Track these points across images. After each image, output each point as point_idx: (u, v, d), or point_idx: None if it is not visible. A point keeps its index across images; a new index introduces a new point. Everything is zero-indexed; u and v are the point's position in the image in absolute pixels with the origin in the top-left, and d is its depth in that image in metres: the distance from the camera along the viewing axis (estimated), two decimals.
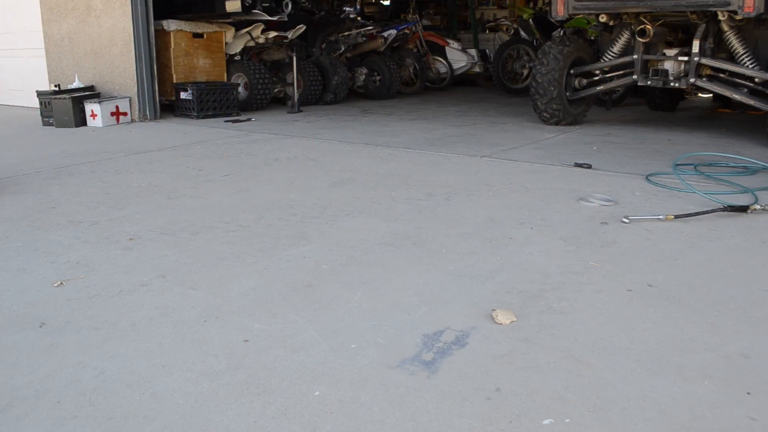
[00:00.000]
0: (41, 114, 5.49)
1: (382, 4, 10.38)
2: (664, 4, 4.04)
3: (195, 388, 1.32)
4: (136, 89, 5.45)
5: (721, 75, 4.26)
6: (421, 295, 1.77)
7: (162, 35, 5.64)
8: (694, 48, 4.20)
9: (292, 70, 6.09)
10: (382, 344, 1.49)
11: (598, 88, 4.76)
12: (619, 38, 4.62)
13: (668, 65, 4.40)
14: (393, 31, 7.44)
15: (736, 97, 4.17)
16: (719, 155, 3.60)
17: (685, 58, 4.27)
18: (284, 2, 5.91)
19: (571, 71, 4.75)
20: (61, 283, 1.88)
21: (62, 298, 1.77)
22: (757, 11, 3.74)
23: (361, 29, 7.29)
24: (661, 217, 2.42)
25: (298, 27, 6.29)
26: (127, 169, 3.53)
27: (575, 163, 3.46)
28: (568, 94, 4.78)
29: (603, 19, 4.53)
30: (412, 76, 7.87)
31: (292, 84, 6.17)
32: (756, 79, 4.08)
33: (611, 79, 4.75)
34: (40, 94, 5.50)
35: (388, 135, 4.57)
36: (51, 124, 5.39)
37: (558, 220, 2.46)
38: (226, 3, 5.58)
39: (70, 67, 5.94)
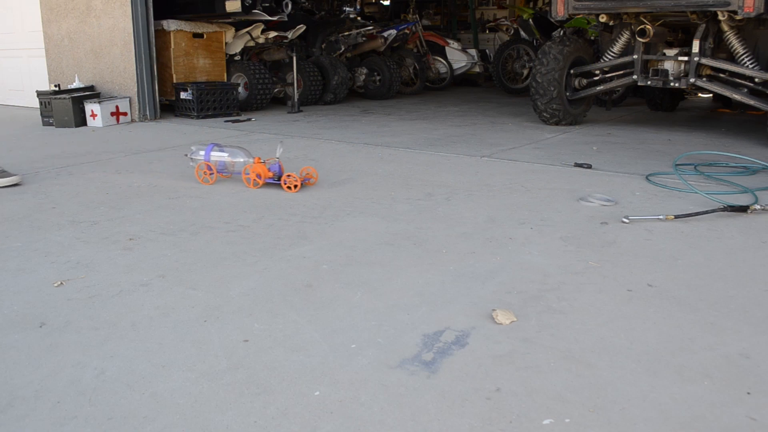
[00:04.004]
0: (41, 114, 5.49)
1: (382, 4, 10.38)
2: (664, 4, 4.05)
3: (195, 388, 1.31)
4: (136, 89, 5.45)
5: (721, 75, 4.26)
6: (421, 295, 1.77)
7: (162, 35, 5.64)
8: (694, 48, 4.20)
9: (292, 70, 6.09)
10: (382, 344, 1.49)
11: (598, 88, 4.76)
12: (619, 38, 4.63)
13: (668, 65, 4.40)
14: (393, 31, 7.44)
15: (736, 97, 4.17)
16: (719, 154, 3.60)
17: (685, 58, 4.28)
18: (284, 2, 5.91)
19: (571, 71, 4.75)
20: (61, 283, 1.88)
21: (62, 298, 1.77)
22: (757, 11, 3.74)
23: (361, 29, 7.29)
24: (661, 217, 2.42)
25: (298, 27, 6.29)
26: (127, 169, 3.53)
27: (575, 163, 3.46)
28: (568, 94, 4.78)
29: (603, 19, 4.54)
30: (412, 76, 7.87)
31: (292, 84, 6.17)
32: (756, 79, 4.08)
33: (611, 79, 4.75)
34: (40, 94, 5.50)
35: (388, 135, 4.57)
36: (51, 124, 5.39)
37: (558, 220, 2.46)
38: (226, 3, 5.59)
39: (70, 67, 5.94)
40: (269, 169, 2.98)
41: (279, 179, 2.96)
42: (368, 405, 1.25)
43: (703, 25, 4.17)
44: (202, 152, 3.13)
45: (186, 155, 3.22)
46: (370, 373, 1.36)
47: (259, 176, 2.97)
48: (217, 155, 3.10)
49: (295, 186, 2.89)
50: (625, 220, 2.41)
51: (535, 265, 1.99)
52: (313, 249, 2.16)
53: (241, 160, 3.07)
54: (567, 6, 4.45)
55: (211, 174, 3.09)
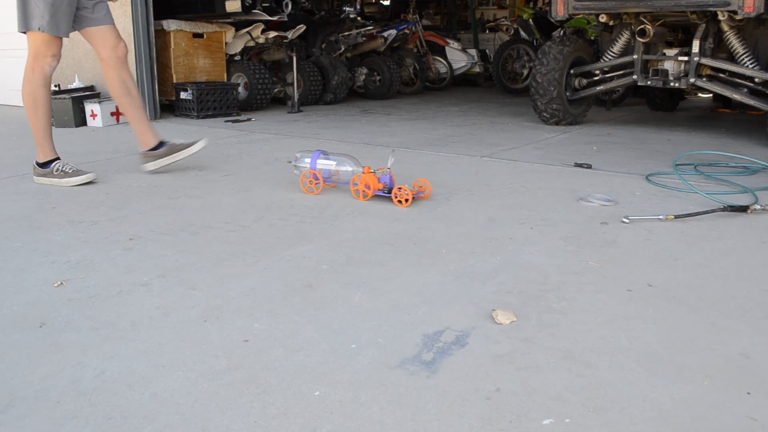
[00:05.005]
0: None
1: (382, 4, 10.38)
2: (664, 4, 4.05)
3: (195, 388, 1.32)
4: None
5: (721, 75, 4.26)
6: (421, 295, 1.77)
7: (162, 35, 5.64)
8: (694, 48, 4.20)
9: (292, 70, 6.09)
10: (382, 344, 1.49)
11: (598, 88, 4.76)
12: (619, 38, 4.63)
13: (668, 65, 4.40)
14: (393, 31, 7.44)
15: (736, 97, 4.17)
16: (719, 154, 3.61)
17: (685, 58, 4.28)
18: (284, 2, 5.91)
19: (571, 71, 4.75)
20: (61, 283, 1.88)
21: (62, 298, 1.77)
22: (757, 11, 3.75)
23: (361, 29, 7.29)
24: (661, 217, 2.42)
25: (298, 27, 6.29)
26: (127, 169, 3.53)
27: (575, 163, 3.46)
28: (568, 94, 4.78)
29: (603, 19, 4.54)
30: (412, 76, 7.88)
31: (292, 84, 6.17)
32: (756, 79, 4.08)
33: (611, 79, 4.76)
34: None
35: (388, 135, 4.57)
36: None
37: (558, 220, 2.46)
38: (226, 3, 5.59)
39: (70, 67, 5.94)
40: (379, 180, 2.76)
41: (390, 191, 2.73)
42: (368, 405, 1.25)
43: (703, 25, 4.17)
44: (308, 159, 2.92)
45: (290, 162, 3.02)
46: (370, 373, 1.36)
47: (368, 187, 2.75)
48: (323, 163, 2.89)
49: (406, 200, 2.65)
50: (625, 220, 2.41)
51: (535, 265, 1.99)
52: (313, 249, 2.16)
53: (349, 169, 2.85)
54: (567, 6, 4.45)
55: (317, 183, 2.89)
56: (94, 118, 5.32)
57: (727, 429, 1.17)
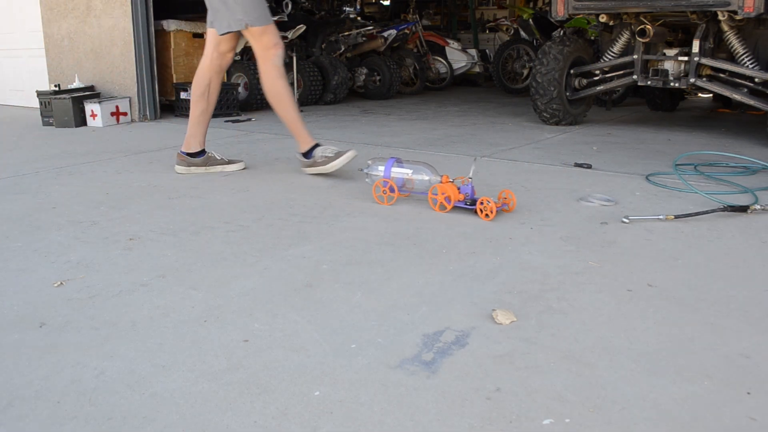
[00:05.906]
0: (41, 114, 5.49)
1: (382, 4, 10.38)
2: (664, 4, 4.05)
3: (195, 388, 1.32)
4: (136, 89, 5.45)
5: (721, 75, 4.26)
6: (421, 295, 1.77)
7: (162, 35, 5.64)
8: (694, 48, 4.20)
9: (292, 70, 6.09)
10: (382, 344, 1.49)
11: (598, 88, 4.76)
12: (619, 38, 4.63)
13: (668, 65, 4.40)
14: (393, 31, 7.44)
15: (736, 97, 4.17)
16: (719, 154, 3.61)
17: (685, 58, 4.28)
18: (284, 2, 5.91)
19: (571, 71, 4.75)
20: (61, 283, 1.88)
21: (62, 298, 1.77)
22: (757, 11, 3.74)
23: (361, 29, 7.29)
24: (661, 217, 2.42)
25: (298, 27, 6.29)
26: (127, 169, 3.53)
27: (575, 163, 3.46)
28: (568, 94, 4.78)
29: (603, 19, 4.54)
30: (412, 76, 7.87)
31: (292, 84, 6.17)
32: (756, 79, 4.08)
33: (611, 79, 4.76)
34: (40, 94, 5.50)
35: (388, 135, 4.57)
36: (51, 124, 5.39)
37: (558, 220, 2.46)
38: None
39: (70, 67, 5.95)
40: (460, 191, 2.57)
41: (471, 203, 2.54)
42: (368, 405, 1.25)
43: (703, 25, 4.17)
44: (381, 167, 2.75)
45: (361, 170, 2.87)
46: (370, 373, 1.36)
47: (448, 199, 2.55)
48: (398, 171, 2.73)
49: (492, 212, 2.46)
50: (625, 220, 2.41)
51: (535, 265, 1.99)
52: (313, 249, 2.16)
53: (426, 178, 2.67)
54: (567, 6, 4.45)
55: (391, 193, 2.70)
56: (94, 118, 5.32)
57: (727, 429, 1.17)
